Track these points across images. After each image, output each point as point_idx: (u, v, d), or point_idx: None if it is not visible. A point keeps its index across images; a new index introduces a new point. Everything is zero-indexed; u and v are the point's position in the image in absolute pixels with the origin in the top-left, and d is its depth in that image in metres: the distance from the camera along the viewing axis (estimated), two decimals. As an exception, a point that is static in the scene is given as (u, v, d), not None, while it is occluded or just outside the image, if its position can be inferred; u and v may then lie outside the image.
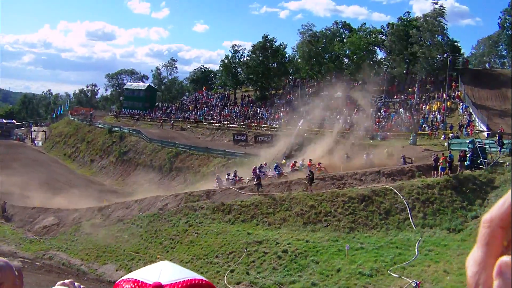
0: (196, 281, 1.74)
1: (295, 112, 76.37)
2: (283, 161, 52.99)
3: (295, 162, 50.98)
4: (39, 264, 43.73)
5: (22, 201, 59.74)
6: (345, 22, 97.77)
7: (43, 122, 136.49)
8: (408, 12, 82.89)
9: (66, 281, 2.79)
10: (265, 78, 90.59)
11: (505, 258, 1.01)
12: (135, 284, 1.73)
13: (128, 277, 1.79)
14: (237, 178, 50.36)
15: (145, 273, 1.80)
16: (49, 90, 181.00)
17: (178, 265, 1.84)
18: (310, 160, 48.97)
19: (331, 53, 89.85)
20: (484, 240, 1.04)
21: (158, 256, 39.16)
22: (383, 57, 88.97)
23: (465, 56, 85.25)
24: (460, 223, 36.33)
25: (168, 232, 42.48)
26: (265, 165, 51.82)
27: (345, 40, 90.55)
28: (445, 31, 75.79)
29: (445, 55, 72.71)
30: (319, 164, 48.39)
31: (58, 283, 2.83)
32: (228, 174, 51.37)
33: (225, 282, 32.69)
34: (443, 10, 74.40)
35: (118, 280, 1.81)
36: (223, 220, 41.93)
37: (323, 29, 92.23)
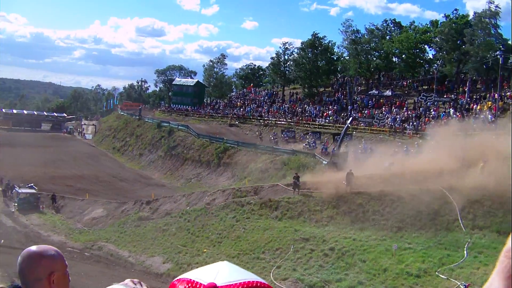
0: (253, 283, 1.72)
1: (343, 110, 76.11)
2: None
3: None
4: (88, 255, 44.34)
5: (71, 192, 60.71)
6: (395, 20, 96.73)
7: (93, 116, 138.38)
8: (457, 10, 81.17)
9: (135, 280, 2.88)
10: (313, 76, 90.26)
11: None
12: (189, 285, 1.72)
13: (183, 276, 1.79)
14: None
15: (201, 273, 1.79)
16: (99, 85, 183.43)
17: (237, 265, 1.82)
18: None
19: (380, 51, 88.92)
20: (507, 273, 0.93)
21: (205, 250, 39.43)
22: (433, 55, 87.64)
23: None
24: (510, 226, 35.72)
25: (215, 227, 42.69)
26: None
27: (394, 39, 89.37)
28: (498, 30, 74.55)
29: (497, 53, 71.47)
30: None
31: (127, 279, 2.92)
32: None
33: (272, 278, 32.69)
34: (499, 10, 73.12)
35: (173, 280, 1.81)
36: (270, 216, 41.96)
37: (369, 26, 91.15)
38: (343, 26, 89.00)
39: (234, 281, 1.71)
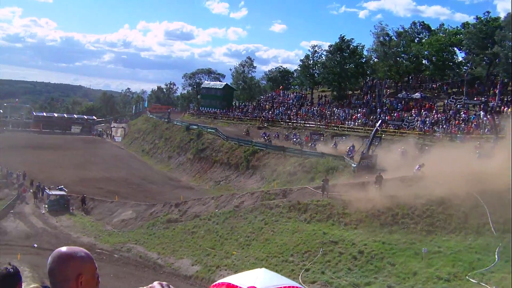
0: None
1: (372, 112, 75.76)
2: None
3: None
4: (117, 256, 44.68)
5: (101, 194, 61.17)
6: (423, 22, 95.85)
7: (122, 118, 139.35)
8: (489, 12, 79.67)
9: (163, 283, 2.87)
10: (342, 79, 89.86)
11: None
12: None
13: (222, 281, 1.78)
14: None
15: (241, 278, 1.79)
16: (128, 88, 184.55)
17: (276, 272, 1.82)
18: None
19: (409, 54, 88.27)
20: None
21: (233, 253, 39.45)
22: (463, 57, 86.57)
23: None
24: (543, 230, 35.15)
25: (244, 229, 42.72)
26: None
27: (423, 41, 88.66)
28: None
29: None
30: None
31: (156, 282, 2.92)
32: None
33: (300, 281, 32.57)
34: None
35: (211, 285, 1.80)
36: (299, 219, 41.87)
37: (398, 28, 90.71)
38: (376, 29, 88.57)
39: (274, 286, 1.70)
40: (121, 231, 50.87)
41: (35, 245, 45.50)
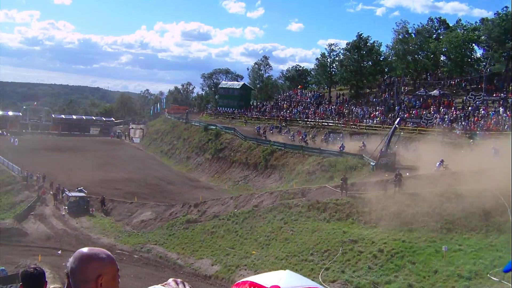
0: None
1: (390, 110, 75.44)
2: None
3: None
4: (137, 257, 44.87)
5: (120, 195, 61.37)
6: (440, 18, 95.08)
7: (140, 120, 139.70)
8: (507, 7, 78.92)
9: (178, 280, 2.85)
10: (359, 77, 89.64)
11: None
12: (252, 287, 1.70)
13: (245, 279, 1.77)
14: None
15: (264, 278, 1.77)
16: (147, 90, 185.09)
17: (299, 274, 1.80)
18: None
19: (427, 51, 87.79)
20: None
21: (253, 252, 39.46)
22: (482, 53, 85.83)
23: None
24: None
25: (263, 229, 42.73)
26: None
27: (441, 38, 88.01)
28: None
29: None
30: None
31: (170, 279, 2.90)
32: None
33: (320, 280, 32.52)
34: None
35: (233, 285, 1.79)
36: (318, 218, 41.80)
37: (417, 25, 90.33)
38: (397, 26, 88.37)
39: (298, 287, 1.69)
40: (141, 231, 51.05)
41: (59, 252, 45.70)
